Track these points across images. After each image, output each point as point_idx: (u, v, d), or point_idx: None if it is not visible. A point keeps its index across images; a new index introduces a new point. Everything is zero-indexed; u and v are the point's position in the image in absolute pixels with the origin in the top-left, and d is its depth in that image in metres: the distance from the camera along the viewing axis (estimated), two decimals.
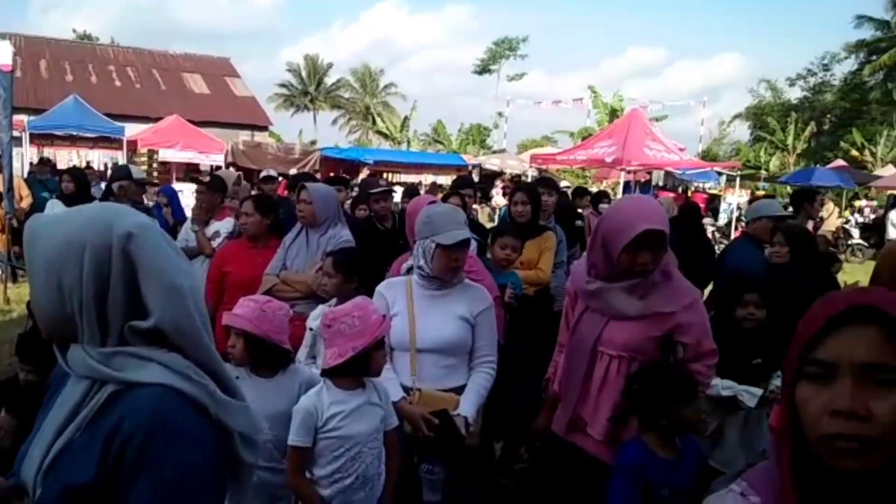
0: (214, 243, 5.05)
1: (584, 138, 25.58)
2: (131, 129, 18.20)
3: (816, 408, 0.89)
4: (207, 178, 6.13)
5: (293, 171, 12.24)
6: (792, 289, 3.23)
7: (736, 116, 55.67)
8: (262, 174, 7.90)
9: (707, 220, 15.79)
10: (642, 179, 21.13)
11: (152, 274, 1.18)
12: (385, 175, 19.57)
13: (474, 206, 10.19)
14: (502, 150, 29.82)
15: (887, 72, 44.42)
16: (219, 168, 15.37)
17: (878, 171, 27.86)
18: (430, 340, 2.74)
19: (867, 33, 46.61)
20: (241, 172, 7.30)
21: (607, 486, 2.32)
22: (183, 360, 1.18)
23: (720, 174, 22.25)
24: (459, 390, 2.77)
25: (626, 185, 19.34)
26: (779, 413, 0.98)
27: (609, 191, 20.15)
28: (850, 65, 49.99)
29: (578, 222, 8.10)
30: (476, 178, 22.21)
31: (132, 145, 17.47)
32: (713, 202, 20.06)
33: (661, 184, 23.50)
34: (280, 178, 8.42)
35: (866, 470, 0.88)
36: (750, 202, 9.29)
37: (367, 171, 18.82)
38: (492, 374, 2.86)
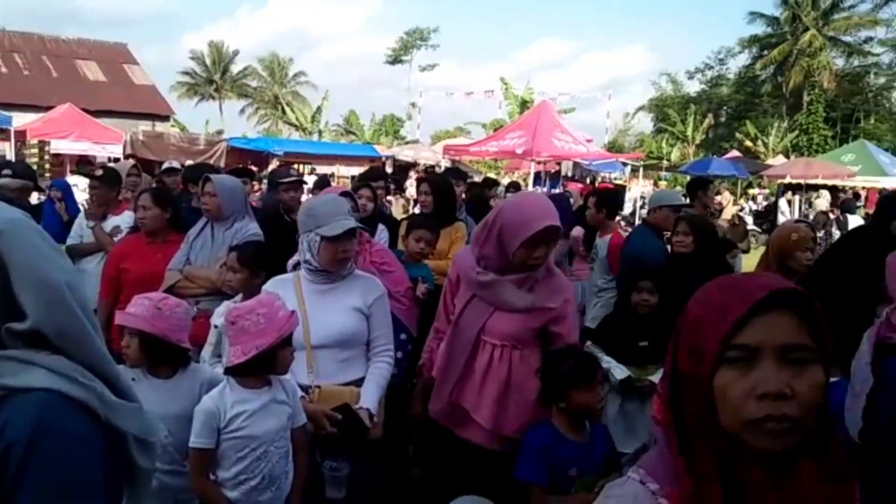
0: (116, 238, 4.79)
1: (496, 129, 25.94)
2: (20, 119, 17.03)
3: (741, 392, 0.92)
4: (100, 171, 5.78)
5: (189, 162, 11.75)
6: (693, 277, 3.39)
7: (639, 109, 57.90)
8: (164, 166, 7.57)
9: None
10: (552, 170, 21.66)
11: (26, 272, 1.09)
12: (296, 166, 19.17)
13: (388, 197, 10.15)
14: (416, 141, 29.82)
15: (777, 66, 47.31)
16: (117, 160, 14.62)
17: (769, 161, 29.60)
18: (325, 335, 2.69)
19: (759, 29, 49.51)
20: (137, 163, 6.94)
21: (515, 466, 2.41)
22: (69, 362, 1.11)
23: (625, 165, 23.06)
24: (359, 382, 2.75)
25: (537, 176, 19.77)
26: (660, 405, 1.01)
27: (521, 182, 20.57)
28: (743, 59, 52.92)
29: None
30: (390, 170, 22.13)
31: (20, 136, 16.34)
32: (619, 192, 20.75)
33: (569, 174, 24.16)
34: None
35: (786, 448, 0.92)
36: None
37: (277, 162, 18.38)
38: (390, 363, 2.86)
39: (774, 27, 48.35)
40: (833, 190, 20.13)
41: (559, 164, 21.19)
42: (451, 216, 4.65)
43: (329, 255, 2.69)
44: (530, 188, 16.04)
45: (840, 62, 48.26)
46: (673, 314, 3.21)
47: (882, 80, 49.58)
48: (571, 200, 7.73)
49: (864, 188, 22.29)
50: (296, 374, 2.58)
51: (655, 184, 27.15)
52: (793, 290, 0.94)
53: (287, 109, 41.06)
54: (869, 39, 48.59)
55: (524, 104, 30.25)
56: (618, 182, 24.09)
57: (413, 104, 37.43)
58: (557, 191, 18.56)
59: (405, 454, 3.72)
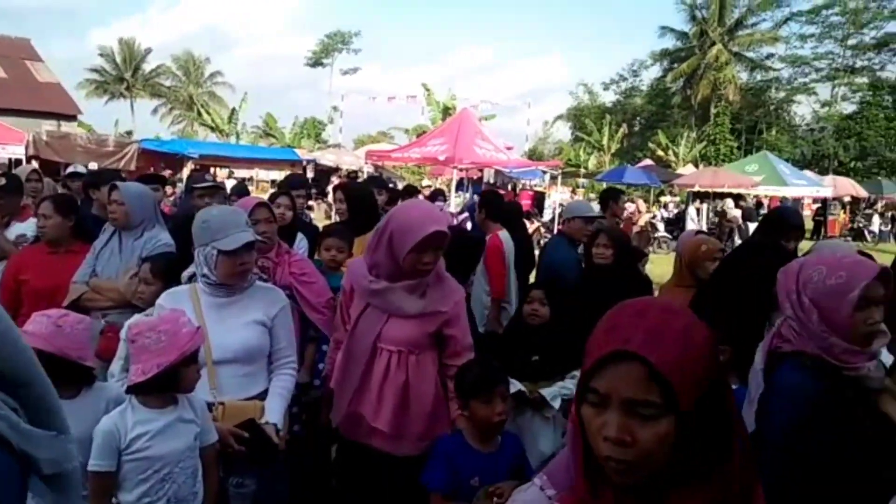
0: (21, 248, 4.53)
1: (418, 135, 26.01)
2: None
3: (594, 430, 0.98)
4: (1, 181, 5.46)
5: (94, 165, 11.22)
6: (611, 288, 3.54)
7: (558, 117, 59.52)
8: (69, 170, 7.20)
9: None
10: (474, 177, 21.92)
11: None
12: (213, 170, 18.63)
13: (310, 202, 9.98)
14: (338, 145, 29.55)
15: (686, 79, 49.59)
16: (19, 161, 13.80)
17: (680, 170, 30.93)
18: (227, 350, 2.62)
19: (670, 43, 51.87)
20: (38, 168, 6.58)
21: (421, 473, 2.45)
22: None
23: (544, 172, 23.58)
24: (262, 396, 2.70)
25: (460, 183, 19.95)
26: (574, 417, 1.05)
27: (444, 188, 20.70)
28: (655, 72, 55.31)
29: None
30: (311, 174, 21.83)
31: None
32: (539, 199, 21.20)
33: (491, 181, 24.49)
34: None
35: (632, 483, 0.98)
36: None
37: (192, 165, 17.80)
38: (293, 375, 2.83)
39: (684, 41, 50.71)
40: (738, 198, 21.23)
41: (481, 170, 21.45)
42: (369, 223, 4.62)
43: (227, 269, 2.61)
44: (453, 194, 16.18)
45: (744, 76, 51.14)
46: (574, 325, 3.31)
47: (782, 94, 52.85)
48: None
49: (766, 197, 23.63)
50: (196, 390, 2.52)
51: (574, 191, 27.89)
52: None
53: (203, 110, 39.82)
54: (770, 55, 51.79)
55: (447, 110, 30.49)
56: (538, 189, 24.62)
57: (335, 108, 37.10)
58: (477, 197, 18.84)
59: (326, 465, 3.68)
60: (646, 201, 24.86)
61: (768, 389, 2.04)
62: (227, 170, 20.09)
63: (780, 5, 50.05)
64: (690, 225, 18.81)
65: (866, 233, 24.44)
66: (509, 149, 20.38)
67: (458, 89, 77.11)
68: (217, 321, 2.64)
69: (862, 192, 27.96)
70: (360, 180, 14.68)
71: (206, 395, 2.56)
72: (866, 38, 49.85)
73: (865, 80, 50.08)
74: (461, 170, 16.51)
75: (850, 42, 50.07)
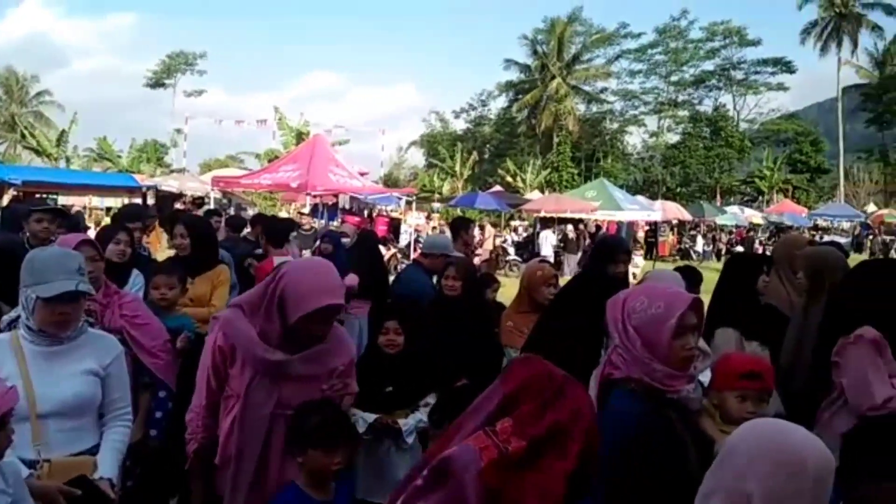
0: None
1: (270, 160, 25.36)
2: None
3: None
4: None
5: None
6: (458, 319, 3.66)
7: (412, 143, 60.65)
8: None
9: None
10: (329, 203, 21.68)
11: None
12: (39, 197, 17.02)
13: (150, 234, 9.36)
14: (182, 170, 28.12)
15: (530, 109, 52.48)
16: None
17: (527, 195, 32.50)
18: (54, 403, 2.40)
19: (514, 75, 54.76)
20: None
21: None
22: None
23: (400, 198, 23.82)
24: (94, 450, 2.50)
25: (315, 208, 19.64)
26: None
27: (297, 215, 20.28)
28: (502, 102, 58.02)
29: (258, 250, 7.98)
30: (151, 201, 20.58)
31: None
32: (395, 225, 21.37)
33: (347, 207, 24.37)
34: None
35: None
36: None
37: (14, 193, 16.17)
38: (128, 427, 2.65)
39: (527, 74, 53.79)
40: (579, 223, 22.62)
41: (336, 196, 21.27)
42: (212, 260, 4.41)
43: (43, 316, 2.40)
44: (304, 220, 15.90)
45: (582, 108, 55.07)
46: (426, 355, 3.34)
47: (616, 125, 57.37)
48: (346, 240, 7.74)
49: (604, 221, 25.36)
50: (18, 447, 2.25)
51: (429, 216, 28.37)
52: None
53: (27, 132, 36.33)
54: (604, 89, 56.15)
55: (300, 135, 30.02)
56: (394, 214, 24.81)
57: (178, 130, 35.40)
58: (335, 223, 18.63)
59: None
60: (496, 225, 25.81)
61: (600, 415, 2.16)
62: (55, 197, 18.40)
63: (611, 43, 54.54)
64: (545, 248, 19.75)
65: (692, 252, 26.92)
66: (364, 174, 20.42)
67: (311, 114, 76.39)
68: (43, 371, 2.41)
69: (687, 216, 30.81)
70: (206, 208, 14.00)
71: (29, 452, 2.33)
72: (686, 76, 55.50)
73: (686, 112, 55.63)
74: (315, 196, 16.26)
75: (673, 78, 55.57)
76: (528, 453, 1.53)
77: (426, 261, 5.22)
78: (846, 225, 39.43)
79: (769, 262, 3.70)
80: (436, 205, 33.35)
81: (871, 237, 34.31)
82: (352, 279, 5.64)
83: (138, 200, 19.21)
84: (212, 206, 14.39)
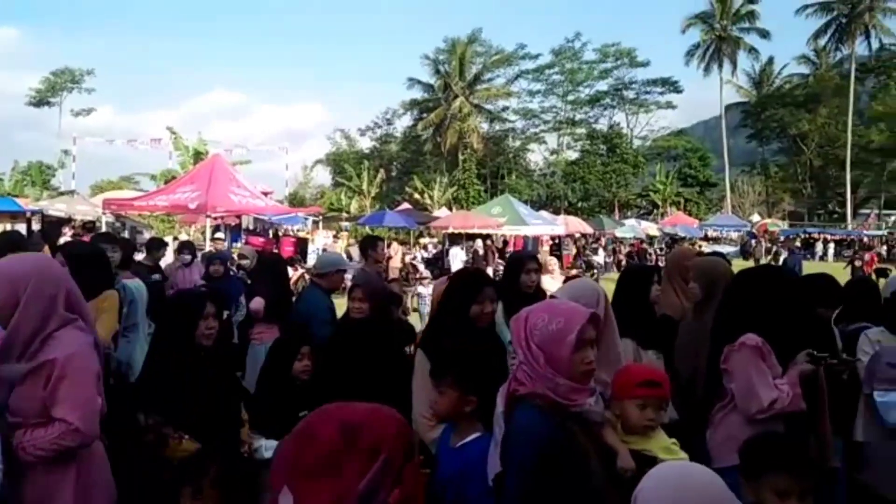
0: None
1: (167, 181, 24.34)
2: None
3: None
4: None
5: None
6: (368, 342, 3.62)
7: (317, 162, 59.89)
8: None
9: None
10: (232, 223, 21.03)
11: None
12: None
13: None
14: (71, 192, 26.52)
15: (435, 128, 53.06)
16: None
17: (436, 212, 32.72)
18: None
19: (418, 94, 55.22)
20: None
21: None
22: None
23: (306, 218, 23.41)
24: None
25: (217, 229, 19.00)
26: None
27: (198, 236, 19.56)
28: (407, 120, 58.38)
29: (156, 276, 7.61)
30: (37, 226, 19.29)
31: None
32: (302, 245, 20.95)
33: (251, 227, 23.71)
34: None
35: None
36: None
37: None
38: None
39: (430, 93, 54.42)
40: (486, 238, 22.95)
41: (239, 217, 20.66)
42: (98, 286, 4.14)
43: None
44: (207, 243, 15.38)
45: (485, 126, 56.18)
46: (338, 379, 3.22)
47: (518, 142, 58.87)
48: (247, 261, 7.50)
49: (511, 236, 25.86)
50: None
51: (337, 235, 28.03)
52: None
53: None
54: (506, 108, 57.57)
55: (198, 155, 29.01)
56: (301, 234, 24.35)
57: (66, 151, 33.43)
58: (238, 244, 18.07)
59: None
60: (405, 243, 25.80)
61: (507, 430, 2.17)
62: None
63: (510, 64, 56.08)
64: (456, 264, 19.84)
65: (594, 264, 27.84)
66: (268, 194, 19.96)
67: (210, 133, 74.26)
68: None
69: (588, 229, 31.96)
70: (97, 232, 13.24)
71: None
72: (582, 95, 57.82)
73: (584, 130, 57.90)
74: (215, 217, 15.70)
75: (570, 98, 57.75)
76: None
77: (322, 280, 5.18)
78: (734, 234, 42.09)
79: (659, 273, 3.87)
80: (344, 224, 33.00)
81: (756, 245, 36.75)
82: (257, 303, 5.47)
83: (22, 226, 17.93)
84: (104, 230, 13.64)
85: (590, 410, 2.18)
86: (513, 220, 23.28)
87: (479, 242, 21.23)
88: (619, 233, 34.62)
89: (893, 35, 49.43)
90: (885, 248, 38.77)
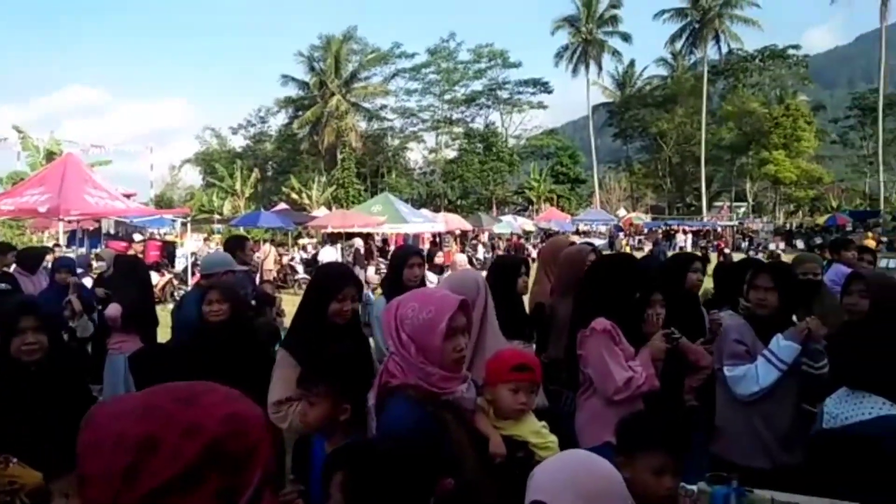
0: None
1: (14, 184, 22.27)
2: None
3: None
4: None
5: None
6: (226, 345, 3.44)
7: (186, 161, 57.13)
8: None
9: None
10: (90, 228, 19.57)
11: None
12: None
13: None
14: None
15: (312, 126, 52.02)
16: None
17: (314, 212, 32.04)
18: None
19: (293, 91, 53.92)
20: None
21: None
22: None
23: (174, 220, 22.19)
24: None
25: (73, 235, 17.59)
26: None
27: (52, 241, 17.98)
28: (283, 118, 56.88)
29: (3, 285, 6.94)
30: None
31: None
32: (169, 248, 19.84)
33: (112, 232, 22.19)
34: None
35: None
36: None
37: None
38: None
39: (305, 91, 53.29)
40: (367, 237, 22.76)
41: (98, 221, 19.24)
42: None
43: None
44: (63, 249, 14.20)
45: (363, 125, 55.80)
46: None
47: (397, 141, 58.94)
48: (105, 264, 6.98)
49: (392, 234, 25.81)
50: None
51: (208, 237, 26.81)
52: None
53: None
54: (384, 107, 57.43)
55: (51, 156, 26.75)
56: (169, 238, 23.07)
57: None
58: (98, 250, 16.83)
59: None
60: (282, 244, 25.11)
61: (379, 423, 2.10)
62: None
63: (386, 62, 56.01)
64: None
65: (474, 260, 28.33)
66: (129, 196, 18.68)
67: (65, 132, 68.88)
68: None
69: (468, 226, 32.48)
70: None
71: None
72: (458, 94, 58.72)
73: (461, 129, 58.84)
74: (69, 221, 14.53)
75: (447, 97, 58.48)
76: None
77: (208, 283, 4.88)
78: (603, 228, 44.30)
79: (526, 264, 3.96)
80: (216, 226, 31.63)
81: (622, 237, 38.88)
82: (114, 310, 5.08)
83: None
84: None
85: (462, 398, 2.15)
86: (393, 219, 23.24)
87: (358, 241, 21.00)
88: (496, 229, 35.47)
89: (741, 40, 54.05)
90: (740, 237, 42.06)
